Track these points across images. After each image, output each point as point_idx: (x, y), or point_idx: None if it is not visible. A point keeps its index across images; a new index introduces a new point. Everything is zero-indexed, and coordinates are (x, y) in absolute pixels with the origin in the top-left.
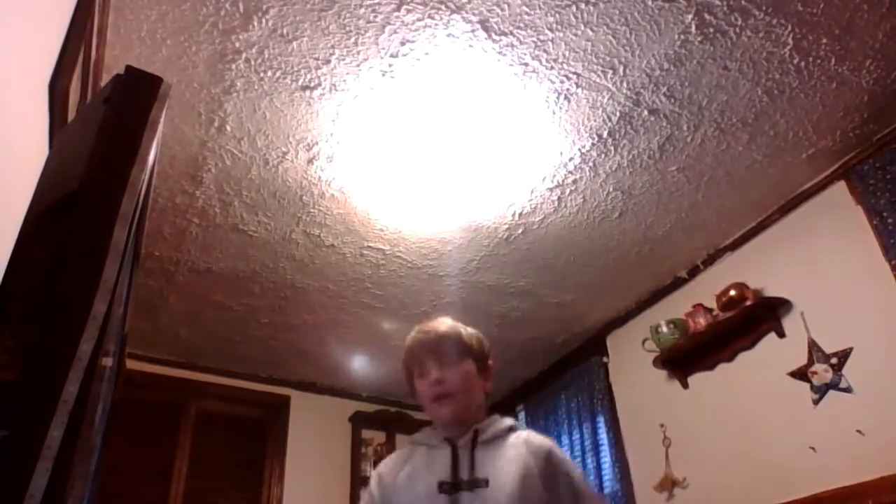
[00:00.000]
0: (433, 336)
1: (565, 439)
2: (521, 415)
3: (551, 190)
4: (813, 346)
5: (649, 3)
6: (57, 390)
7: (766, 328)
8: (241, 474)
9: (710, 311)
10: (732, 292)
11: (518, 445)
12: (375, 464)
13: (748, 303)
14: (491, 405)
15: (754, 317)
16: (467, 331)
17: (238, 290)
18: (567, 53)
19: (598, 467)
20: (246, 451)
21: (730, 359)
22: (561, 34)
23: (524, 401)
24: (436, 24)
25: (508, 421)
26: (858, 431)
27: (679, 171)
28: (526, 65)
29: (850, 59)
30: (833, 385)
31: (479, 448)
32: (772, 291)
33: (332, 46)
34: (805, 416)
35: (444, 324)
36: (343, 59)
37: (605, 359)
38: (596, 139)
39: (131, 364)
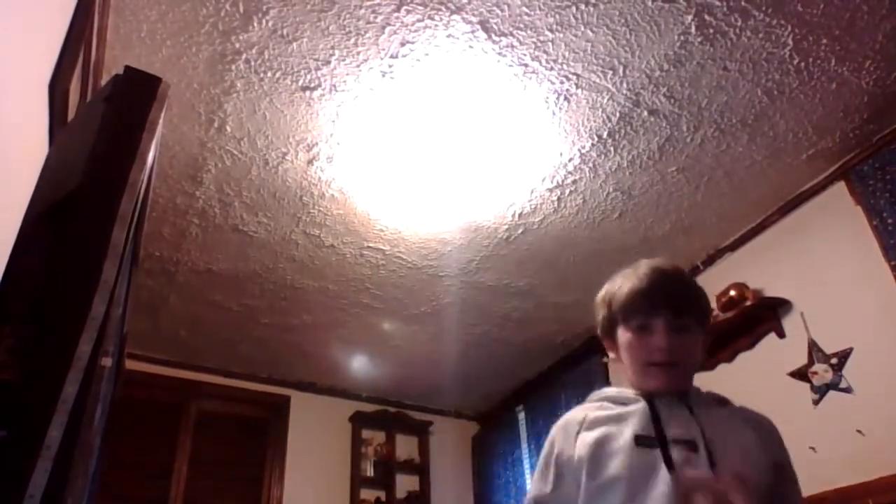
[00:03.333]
0: (673, 285)
1: None
2: (521, 415)
3: (551, 190)
4: (813, 347)
5: (649, 3)
6: (56, 390)
7: (766, 328)
8: (241, 474)
9: None
10: (732, 292)
11: (735, 416)
12: (375, 464)
13: (748, 303)
14: (492, 405)
15: (754, 317)
16: (700, 288)
17: (238, 290)
18: (567, 54)
19: None
20: (246, 451)
21: (730, 359)
22: (561, 35)
23: (524, 401)
24: (436, 25)
25: (718, 395)
26: (858, 431)
27: (679, 171)
28: (526, 65)
29: (850, 60)
30: (833, 385)
31: (687, 407)
32: (772, 291)
33: (332, 47)
34: (805, 416)
35: (680, 271)
36: (343, 60)
37: (605, 359)
38: (596, 140)
39: (131, 364)
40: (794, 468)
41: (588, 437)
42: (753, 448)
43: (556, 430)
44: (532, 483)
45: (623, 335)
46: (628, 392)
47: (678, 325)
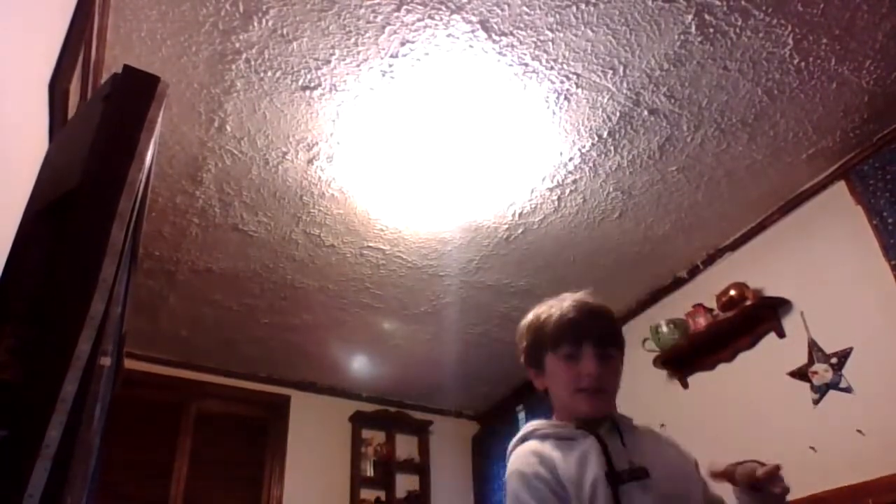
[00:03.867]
0: (598, 318)
1: None
2: (521, 415)
3: (551, 190)
4: (813, 346)
5: (649, 3)
6: (55, 390)
7: (766, 328)
8: (241, 474)
9: (710, 311)
10: (732, 292)
11: (659, 438)
12: (375, 464)
13: (748, 303)
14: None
15: (754, 317)
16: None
17: (238, 290)
18: (567, 54)
19: None
20: (246, 451)
21: (730, 359)
22: (561, 34)
23: (524, 401)
24: (436, 25)
25: (628, 418)
26: (858, 431)
27: (679, 171)
28: (526, 65)
29: (850, 60)
30: (833, 385)
31: (626, 437)
32: (772, 291)
33: (332, 47)
34: (805, 416)
35: (605, 306)
36: (343, 60)
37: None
38: (596, 139)
39: (131, 364)
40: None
41: (565, 469)
42: (680, 461)
43: (521, 471)
44: None
45: (551, 362)
46: (564, 426)
47: (603, 353)
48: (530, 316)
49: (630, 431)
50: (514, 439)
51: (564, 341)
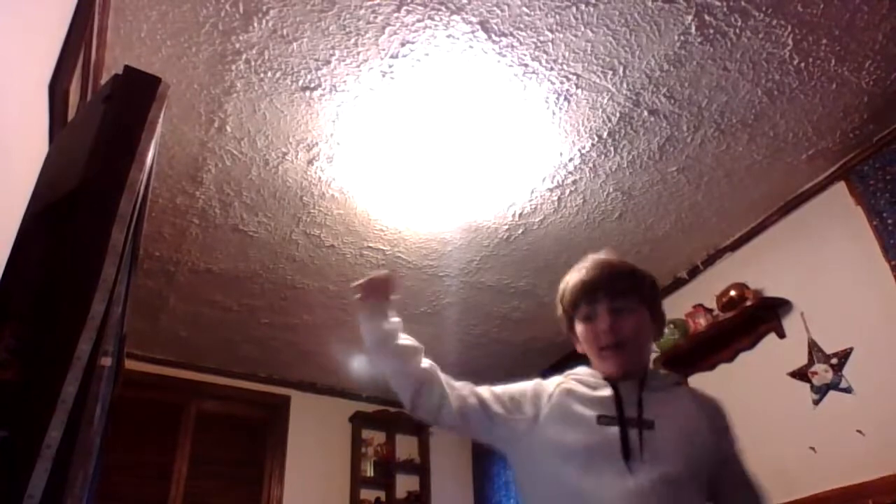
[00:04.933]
0: (608, 273)
1: None
2: None
3: (551, 190)
4: (813, 347)
5: (649, 3)
6: (56, 390)
7: (766, 328)
8: (241, 474)
9: (710, 311)
10: (732, 292)
11: (685, 397)
12: (375, 464)
13: (748, 303)
14: None
15: (754, 317)
16: (641, 270)
17: (238, 290)
18: (567, 54)
19: None
20: (246, 451)
21: (730, 359)
22: (561, 35)
23: None
24: (436, 25)
25: (675, 376)
26: (858, 431)
27: (679, 171)
28: (526, 66)
29: (850, 60)
30: (833, 385)
31: (646, 391)
32: (772, 291)
33: (332, 47)
34: (805, 416)
35: (621, 261)
36: (343, 60)
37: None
38: (596, 140)
39: (132, 364)
40: (742, 461)
41: (561, 391)
42: (693, 421)
43: (534, 382)
44: (484, 390)
45: (578, 327)
46: (594, 375)
47: (618, 307)
48: (560, 285)
49: (656, 389)
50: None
51: (581, 302)
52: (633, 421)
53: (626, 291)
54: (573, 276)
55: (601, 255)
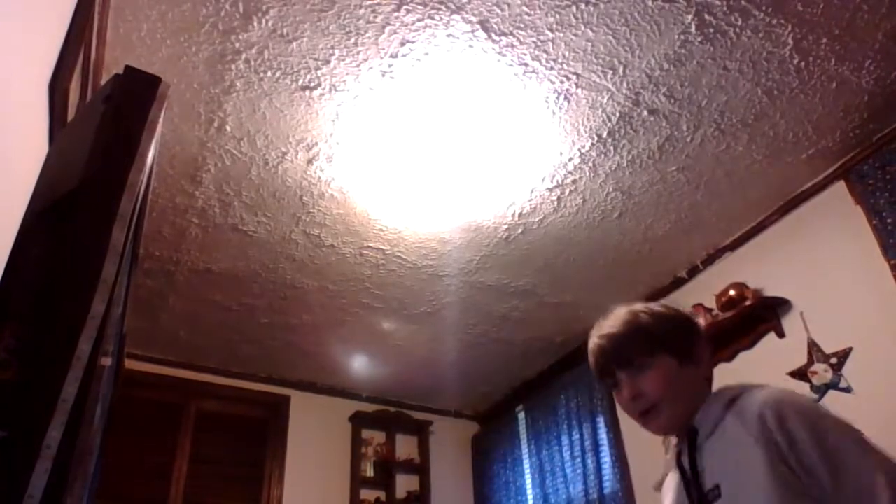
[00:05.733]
0: (607, 343)
1: (565, 439)
2: (521, 415)
3: (551, 190)
4: (813, 346)
5: (649, 3)
6: (56, 390)
7: (765, 328)
8: (241, 474)
9: (709, 311)
10: (732, 292)
11: (732, 425)
12: (375, 464)
13: (748, 303)
14: (492, 405)
15: (754, 317)
16: (653, 315)
17: (238, 290)
18: (567, 54)
19: (598, 467)
20: (246, 451)
21: (730, 359)
22: (561, 34)
23: (524, 401)
24: (436, 25)
25: (728, 393)
26: None
27: (679, 171)
28: (526, 65)
29: (850, 59)
30: (833, 385)
31: (701, 449)
32: (772, 291)
33: (332, 47)
34: None
35: (620, 319)
36: (343, 60)
37: None
38: (596, 139)
39: (131, 364)
40: (827, 449)
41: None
42: (744, 449)
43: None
44: None
45: (615, 396)
46: (668, 443)
47: (633, 371)
48: None
49: (706, 437)
50: None
51: (600, 380)
52: (697, 500)
53: (636, 354)
54: (589, 345)
55: (598, 326)
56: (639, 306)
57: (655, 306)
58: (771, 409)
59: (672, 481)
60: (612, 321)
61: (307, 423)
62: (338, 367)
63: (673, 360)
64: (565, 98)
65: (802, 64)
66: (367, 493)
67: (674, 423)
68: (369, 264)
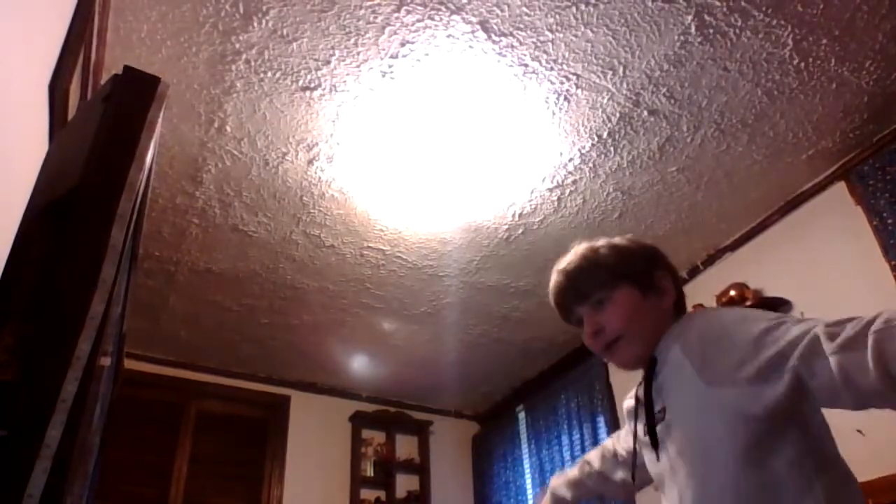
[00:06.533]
0: (564, 279)
1: (565, 439)
2: (521, 415)
3: (551, 190)
4: None
5: (649, 3)
6: (55, 390)
7: None
8: (241, 474)
9: None
10: (732, 292)
11: (675, 352)
12: (375, 464)
13: (748, 303)
14: (492, 405)
15: None
16: (612, 247)
17: (238, 290)
18: (567, 54)
19: None
20: (246, 451)
21: None
22: (561, 35)
23: (524, 401)
24: (436, 25)
25: (685, 319)
26: (858, 431)
27: (679, 171)
28: (526, 66)
29: (850, 60)
30: None
31: (658, 377)
32: (772, 291)
33: (332, 47)
34: None
35: (578, 254)
36: (343, 60)
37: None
38: (596, 140)
39: (131, 364)
40: (773, 342)
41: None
42: (683, 377)
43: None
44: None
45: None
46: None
47: (593, 306)
48: None
49: (663, 365)
50: None
51: (564, 316)
52: (654, 420)
53: (594, 288)
54: (549, 289)
55: (559, 264)
56: (601, 241)
57: (618, 239)
58: (700, 328)
59: (632, 409)
60: (571, 256)
61: (307, 423)
62: (338, 367)
63: (635, 290)
64: (565, 98)
65: (802, 64)
66: (367, 493)
67: (639, 354)
68: (369, 265)
